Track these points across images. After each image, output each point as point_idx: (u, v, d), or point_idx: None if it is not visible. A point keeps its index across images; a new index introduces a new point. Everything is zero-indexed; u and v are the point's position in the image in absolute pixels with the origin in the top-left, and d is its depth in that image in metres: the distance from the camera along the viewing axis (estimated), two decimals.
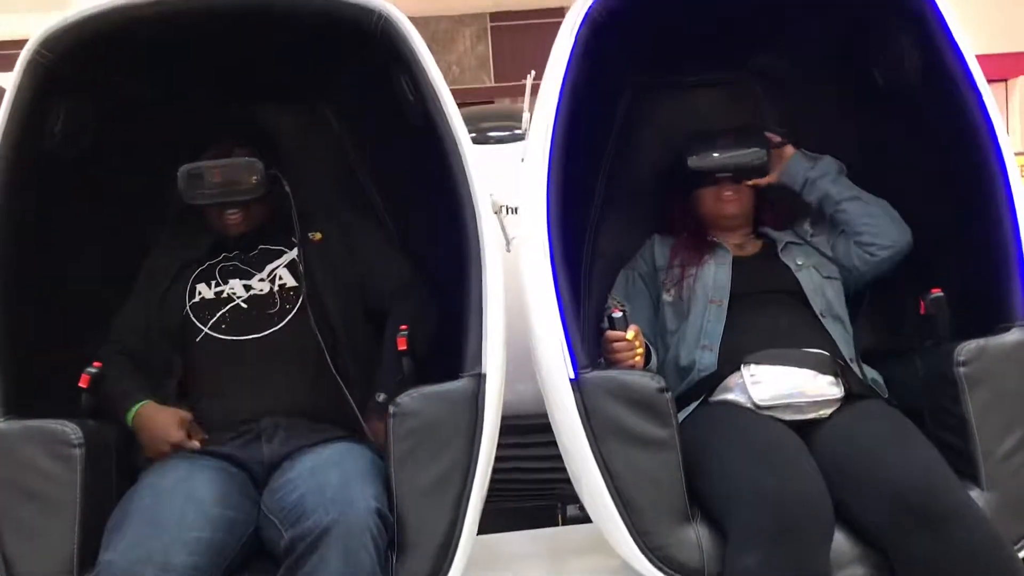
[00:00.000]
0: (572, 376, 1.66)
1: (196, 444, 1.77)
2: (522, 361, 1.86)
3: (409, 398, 1.63)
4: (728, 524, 1.57)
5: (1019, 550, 1.62)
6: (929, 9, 1.85)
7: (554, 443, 1.88)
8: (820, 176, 2.04)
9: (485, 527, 2.05)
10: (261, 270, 1.95)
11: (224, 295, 1.92)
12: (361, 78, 2.09)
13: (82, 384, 1.72)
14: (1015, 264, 1.76)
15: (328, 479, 1.57)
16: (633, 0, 1.82)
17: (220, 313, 1.90)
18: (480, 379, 1.65)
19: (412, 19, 1.77)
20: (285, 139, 2.15)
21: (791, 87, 2.28)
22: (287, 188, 1.89)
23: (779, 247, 2.08)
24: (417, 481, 1.60)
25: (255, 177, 1.84)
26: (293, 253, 1.95)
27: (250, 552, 1.63)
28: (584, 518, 2.22)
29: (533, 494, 2.37)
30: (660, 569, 1.59)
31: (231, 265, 1.96)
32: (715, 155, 2.07)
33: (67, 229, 1.88)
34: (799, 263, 2.03)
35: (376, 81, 2.00)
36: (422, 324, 1.89)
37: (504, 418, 1.83)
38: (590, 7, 1.80)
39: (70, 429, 1.61)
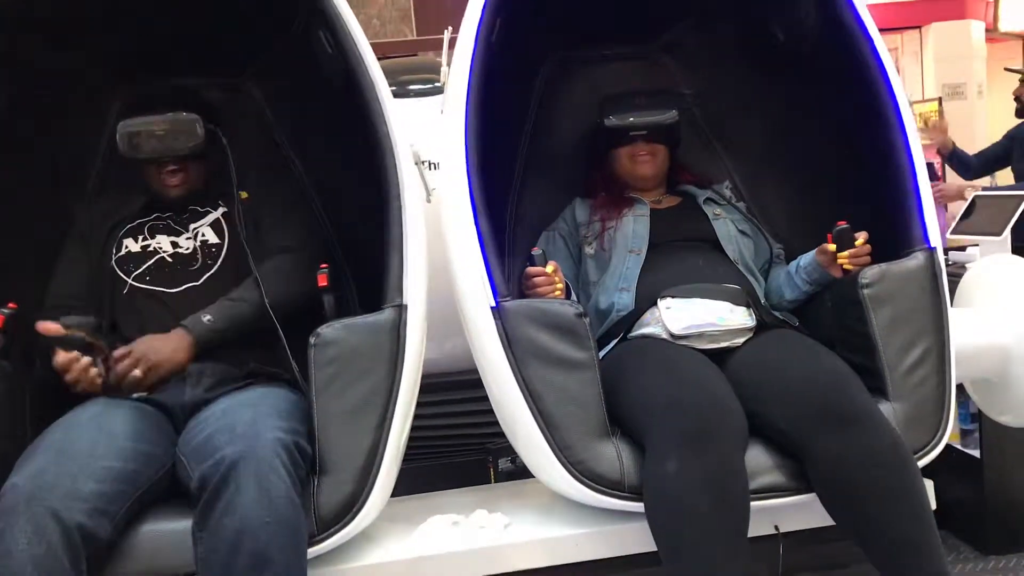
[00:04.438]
0: (493, 304, 1.68)
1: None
2: (451, 319, 1.88)
3: (330, 328, 1.65)
4: (645, 434, 1.60)
5: (923, 455, 1.68)
6: None
7: (485, 399, 1.90)
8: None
9: (418, 485, 2.06)
10: (187, 229, 1.97)
11: (150, 248, 1.93)
12: (281, 46, 2.13)
13: None
14: (913, 198, 1.85)
15: (239, 417, 1.57)
16: None
17: (145, 265, 1.90)
18: (401, 309, 1.66)
19: None
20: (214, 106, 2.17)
21: (701, 57, 2.37)
22: (225, 142, 1.92)
23: (700, 199, 2.15)
24: (337, 406, 1.60)
25: (197, 132, 1.88)
26: (218, 212, 1.97)
27: (167, 488, 1.61)
28: (516, 472, 2.24)
29: (465, 449, 2.38)
30: (581, 482, 1.61)
31: (162, 223, 1.97)
32: (631, 114, 2.14)
33: None
34: (716, 214, 2.10)
35: (295, 47, 2.03)
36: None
37: (434, 375, 1.85)
38: None
39: None
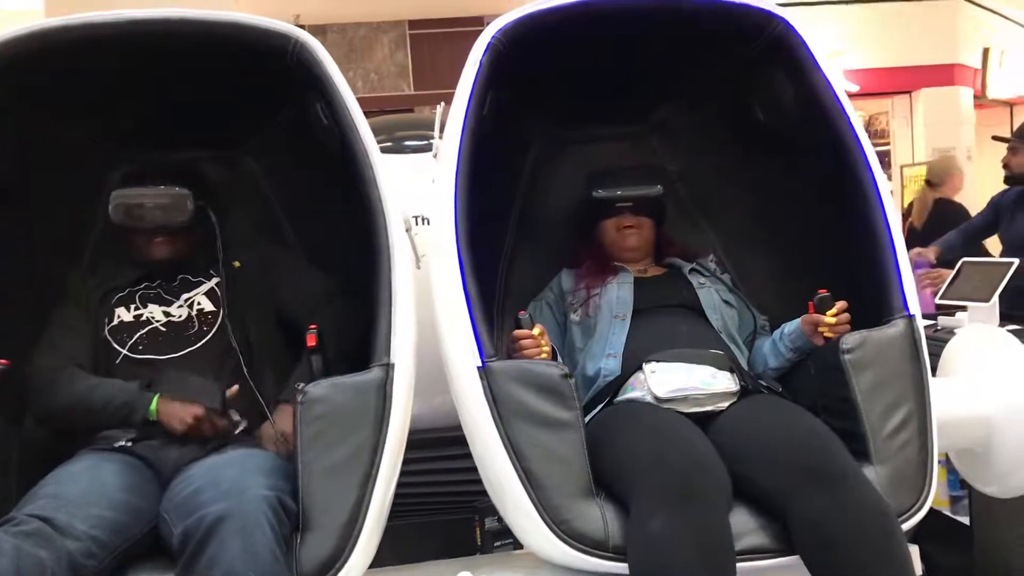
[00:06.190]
0: (479, 364, 1.70)
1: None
2: (438, 376, 1.90)
3: (317, 386, 1.66)
4: (629, 492, 1.60)
5: (907, 518, 1.68)
6: (801, 49, 2.06)
7: (472, 456, 1.90)
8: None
9: (404, 543, 2.04)
10: (179, 298, 2.00)
11: (143, 318, 1.96)
12: (278, 120, 2.20)
13: None
14: (892, 267, 1.89)
15: (224, 474, 1.58)
16: (530, 32, 1.97)
17: (138, 335, 1.93)
18: (388, 368, 1.68)
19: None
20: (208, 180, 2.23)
21: (686, 135, 2.46)
22: (213, 219, 1.98)
23: (685, 269, 2.20)
24: (322, 463, 1.60)
25: (187, 207, 1.94)
26: (212, 282, 2.02)
27: (153, 545, 1.61)
28: (503, 532, 2.21)
29: (452, 507, 2.36)
30: (565, 541, 1.60)
31: (152, 292, 2.01)
32: (618, 187, 2.21)
33: None
34: (701, 282, 2.15)
35: (292, 121, 2.10)
36: (346, 330, 1.92)
37: (421, 431, 1.85)
38: (493, 36, 1.95)
39: None
